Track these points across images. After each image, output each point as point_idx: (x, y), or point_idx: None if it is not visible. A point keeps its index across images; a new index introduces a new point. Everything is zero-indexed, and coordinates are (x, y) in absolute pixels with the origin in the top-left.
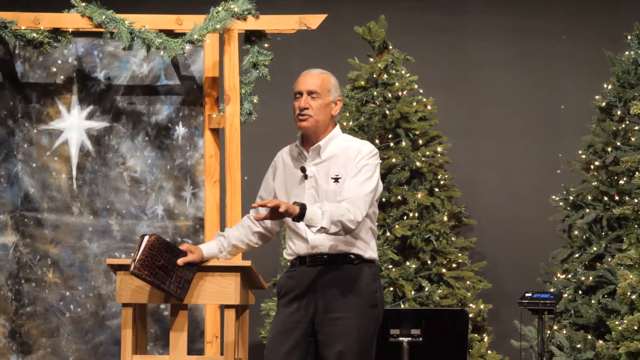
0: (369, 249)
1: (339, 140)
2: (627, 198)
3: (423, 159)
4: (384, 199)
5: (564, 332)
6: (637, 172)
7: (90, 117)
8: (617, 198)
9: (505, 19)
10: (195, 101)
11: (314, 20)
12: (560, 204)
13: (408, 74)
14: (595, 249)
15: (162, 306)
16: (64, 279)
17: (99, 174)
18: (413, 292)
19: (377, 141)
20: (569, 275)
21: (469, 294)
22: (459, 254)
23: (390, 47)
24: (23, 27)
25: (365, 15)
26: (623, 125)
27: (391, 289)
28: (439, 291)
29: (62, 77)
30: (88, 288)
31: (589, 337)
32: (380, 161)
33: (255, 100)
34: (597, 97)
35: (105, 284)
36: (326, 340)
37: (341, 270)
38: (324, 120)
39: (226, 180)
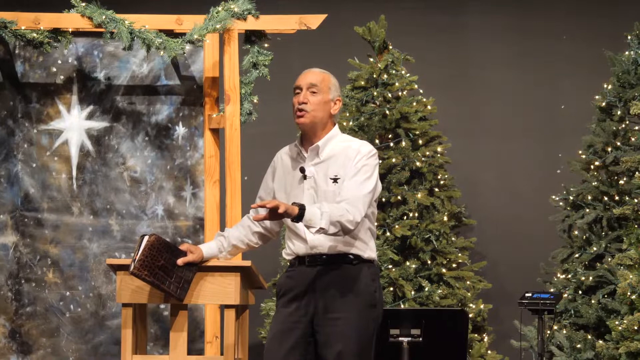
0: (368, 249)
1: (337, 140)
2: (627, 198)
3: (423, 159)
4: (383, 199)
5: (564, 332)
6: (637, 172)
7: (90, 117)
8: (617, 198)
9: (505, 19)
10: (195, 101)
11: (314, 20)
12: (560, 204)
13: (408, 74)
14: (595, 249)
15: (162, 306)
16: (64, 279)
17: (99, 174)
18: (413, 292)
19: (377, 141)
20: (569, 275)
21: (469, 294)
22: (459, 254)
23: (390, 47)
24: (23, 27)
25: (365, 15)
26: (623, 125)
27: (391, 289)
28: (439, 291)
29: (62, 77)
30: (88, 288)
31: (589, 337)
32: (380, 161)
33: (255, 100)
34: (597, 97)
35: (105, 284)
36: (325, 340)
37: (340, 271)
38: (322, 118)
39: (226, 180)
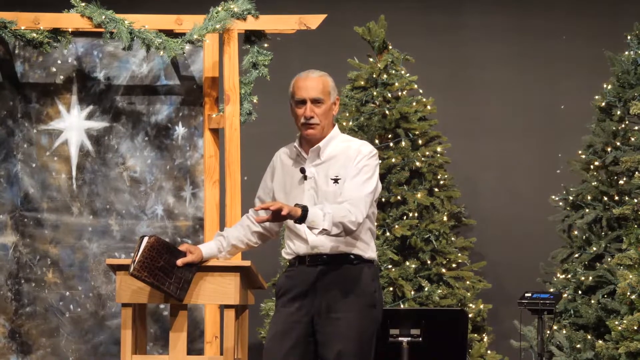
0: (368, 249)
1: (338, 140)
2: (626, 198)
3: (423, 159)
4: (383, 199)
5: (564, 332)
6: (636, 172)
7: (90, 117)
8: (616, 198)
9: (505, 19)
10: (195, 101)
11: (314, 20)
12: (560, 204)
13: (408, 74)
14: (595, 249)
15: (162, 306)
16: (63, 279)
17: (99, 174)
18: (413, 292)
19: (376, 141)
20: (569, 275)
21: (468, 294)
22: (459, 254)
23: (390, 47)
24: (23, 27)
25: (365, 15)
26: (623, 125)
27: (391, 289)
28: (439, 291)
29: (61, 77)
30: (88, 288)
31: (589, 337)
32: (380, 161)
33: (255, 100)
34: (596, 97)
35: (105, 284)
36: (325, 340)
37: (341, 271)
38: (327, 124)
39: (226, 180)
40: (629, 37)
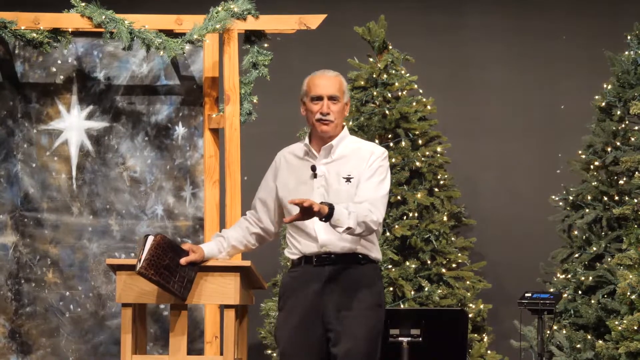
0: (374, 249)
1: (347, 141)
2: (626, 198)
3: (423, 159)
4: None
5: (564, 332)
6: (636, 172)
7: (90, 117)
8: (616, 198)
9: (505, 19)
10: (195, 101)
11: (314, 20)
12: (560, 204)
13: (408, 74)
14: (595, 249)
15: (162, 306)
16: (63, 279)
17: (99, 174)
18: (413, 292)
19: (376, 141)
20: (569, 275)
21: (468, 294)
22: (459, 254)
23: (390, 47)
24: (23, 27)
25: (365, 15)
26: (623, 125)
27: (391, 289)
28: (439, 291)
29: (61, 77)
30: (88, 288)
31: (589, 337)
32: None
33: (255, 100)
34: (596, 97)
35: (105, 284)
36: (335, 338)
37: (349, 270)
38: (340, 123)
39: (226, 181)
40: (629, 37)
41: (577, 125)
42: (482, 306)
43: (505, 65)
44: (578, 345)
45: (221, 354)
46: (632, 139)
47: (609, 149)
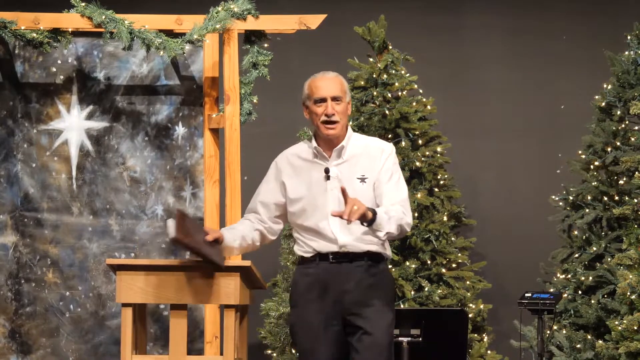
0: (387, 247)
1: (354, 139)
2: (626, 198)
3: (423, 159)
4: None
5: (564, 332)
6: (636, 172)
7: (90, 117)
8: (616, 198)
9: (505, 19)
10: (195, 101)
11: (314, 20)
12: (560, 204)
13: (408, 74)
14: (595, 249)
15: (162, 306)
16: (63, 279)
17: (99, 174)
18: (413, 292)
19: None
20: (569, 275)
21: (468, 294)
22: (459, 254)
23: (390, 47)
24: (23, 27)
25: (365, 15)
26: (623, 125)
27: None
28: (439, 291)
29: (61, 77)
30: (88, 288)
31: (589, 337)
32: None
33: (254, 100)
34: (596, 97)
35: (105, 284)
36: (354, 334)
37: (365, 267)
38: (345, 123)
39: (226, 181)
40: (629, 37)
41: (577, 125)
42: (482, 306)
43: (505, 65)
44: (578, 345)
45: (221, 354)
46: (632, 139)
47: (609, 149)
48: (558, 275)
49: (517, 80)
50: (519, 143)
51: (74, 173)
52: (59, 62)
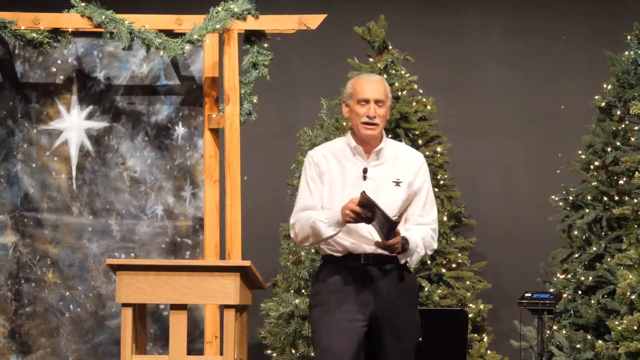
0: None
1: (389, 143)
2: (626, 198)
3: None
4: None
5: (564, 332)
6: (636, 172)
7: (89, 117)
8: (616, 198)
9: (505, 19)
10: (195, 101)
11: (314, 20)
12: (560, 204)
13: (408, 74)
14: (594, 249)
15: (162, 306)
16: (63, 279)
17: (99, 174)
18: None
19: None
20: (569, 276)
21: (468, 294)
22: (459, 254)
23: (390, 47)
24: (23, 27)
25: (364, 16)
26: (623, 126)
27: None
28: (439, 291)
29: (61, 77)
30: (88, 288)
31: (589, 337)
32: None
33: (254, 100)
34: (596, 97)
35: (104, 284)
36: (382, 339)
37: (395, 270)
38: (383, 126)
39: (226, 181)
40: (629, 37)
41: (577, 125)
42: (482, 306)
43: (505, 65)
44: (578, 346)
45: (221, 354)
46: (632, 139)
47: (609, 149)
48: (558, 275)
49: (517, 80)
50: (519, 143)
51: (73, 173)
52: (59, 62)
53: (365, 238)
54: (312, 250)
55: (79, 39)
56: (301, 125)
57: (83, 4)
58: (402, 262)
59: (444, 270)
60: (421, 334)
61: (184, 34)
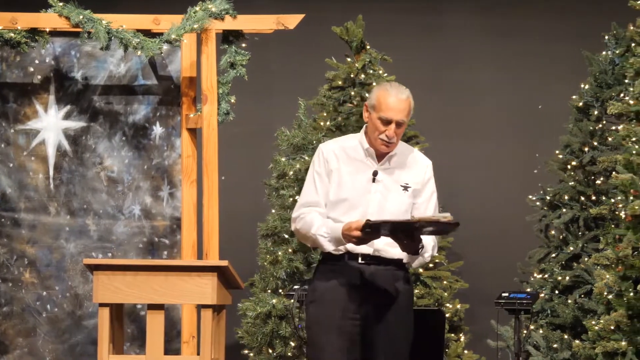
0: None
1: (401, 148)
2: (603, 198)
3: None
4: None
5: (541, 331)
6: (613, 172)
7: (67, 117)
8: (593, 198)
9: (483, 19)
10: (173, 101)
11: (292, 20)
12: (537, 203)
13: (385, 74)
14: (572, 248)
15: (139, 306)
16: (40, 278)
17: (76, 174)
18: None
19: None
20: (546, 275)
21: (445, 293)
22: (436, 254)
23: (368, 47)
24: (0, 27)
25: (342, 16)
26: (600, 125)
27: None
28: (416, 291)
29: (39, 76)
30: (65, 288)
31: (566, 336)
32: None
33: (232, 100)
34: (574, 97)
35: (82, 284)
36: (377, 339)
37: (392, 272)
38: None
39: (203, 180)
40: (606, 37)
41: (554, 125)
42: (459, 306)
43: (483, 65)
44: (555, 345)
45: (198, 353)
46: (609, 139)
47: (586, 149)
48: (535, 275)
49: (494, 80)
50: (497, 143)
51: (51, 173)
52: (37, 62)
53: None
54: (290, 251)
55: (57, 38)
56: (279, 125)
57: (61, 4)
58: (406, 262)
59: (421, 270)
60: None
61: (161, 34)
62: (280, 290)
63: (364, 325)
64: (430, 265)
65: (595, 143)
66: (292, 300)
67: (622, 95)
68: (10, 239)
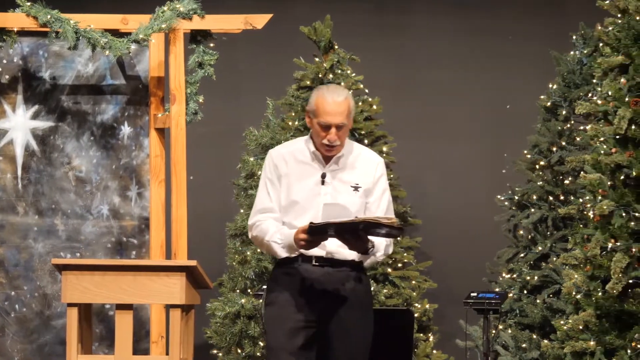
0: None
1: (349, 148)
2: (572, 198)
3: None
4: None
5: (509, 331)
6: (582, 172)
7: (35, 116)
8: (562, 198)
9: (451, 19)
10: (141, 101)
11: (260, 20)
12: (506, 203)
13: (354, 74)
14: (540, 248)
15: (107, 306)
16: (8, 278)
17: (44, 174)
18: None
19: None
20: (514, 275)
21: (414, 293)
22: (405, 254)
23: (336, 47)
24: None
25: (310, 16)
26: (568, 125)
27: None
28: (385, 291)
29: (7, 76)
30: (33, 288)
31: (534, 336)
32: None
33: (200, 100)
34: (542, 97)
35: (50, 284)
36: (332, 340)
37: (346, 273)
38: (344, 141)
39: (172, 180)
40: (574, 37)
41: (522, 125)
42: (427, 306)
43: (451, 65)
44: (523, 345)
45: (167, 353)
46: (578, 139)
47: (555, 149)
48: (503, 275)
49: (463, 80)
50: (465, 142)
51: (19, 173)
52: (4, 61)
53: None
54: (258, 251)
55: (25, 38)
56: (247, 125)
57: (28, 4)
58: (359, 262)
59: (389, 270)
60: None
61: (129, 34)
62: (249, 290)
63: (319, 327)
64: (399, 265)
65: (564, 143)
66: (260, 300)
67: (590, 95)
68: None
